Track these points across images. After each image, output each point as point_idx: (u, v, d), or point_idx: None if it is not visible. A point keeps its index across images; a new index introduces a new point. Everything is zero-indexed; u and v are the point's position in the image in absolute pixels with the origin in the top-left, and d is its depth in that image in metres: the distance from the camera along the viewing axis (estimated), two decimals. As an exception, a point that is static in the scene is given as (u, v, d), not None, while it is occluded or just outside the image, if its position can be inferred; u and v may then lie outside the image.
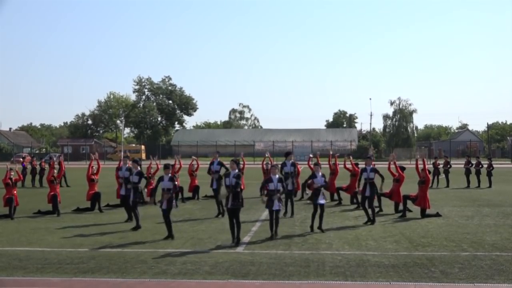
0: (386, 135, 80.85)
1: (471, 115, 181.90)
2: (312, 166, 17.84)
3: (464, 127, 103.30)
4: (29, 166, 27.19)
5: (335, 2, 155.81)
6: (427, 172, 14.12)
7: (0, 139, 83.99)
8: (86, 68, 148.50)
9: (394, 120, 78.21)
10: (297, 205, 15.41)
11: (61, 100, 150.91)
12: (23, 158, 33.96)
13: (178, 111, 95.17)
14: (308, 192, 13.35)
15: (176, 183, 11.41)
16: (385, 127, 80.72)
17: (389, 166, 15.05)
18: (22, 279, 7.68)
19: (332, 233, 11.30)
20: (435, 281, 7.40)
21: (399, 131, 76.80)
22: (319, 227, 11.48)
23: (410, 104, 78.17)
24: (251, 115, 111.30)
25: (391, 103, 78.65)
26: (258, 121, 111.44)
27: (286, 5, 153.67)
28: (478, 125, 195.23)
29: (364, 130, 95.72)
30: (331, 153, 18.09)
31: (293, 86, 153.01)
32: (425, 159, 14.62)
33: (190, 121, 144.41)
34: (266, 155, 20.33)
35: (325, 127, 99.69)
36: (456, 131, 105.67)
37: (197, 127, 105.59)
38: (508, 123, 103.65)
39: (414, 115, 78.33)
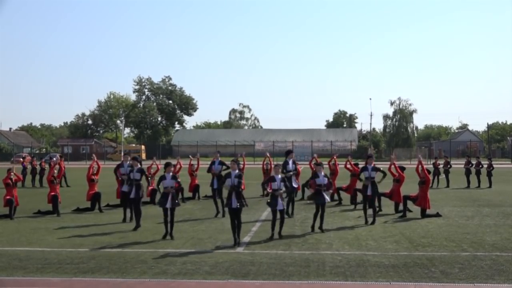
0: (386, 135, 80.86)
1: (471, 115, 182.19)
2: (313, 166, 17.92)
3: (464, 127, 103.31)
4: (29, 166, 27.19)
5: (335, 2, 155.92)
6: (426, 172, 14.12)
7: (0, 139, 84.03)
8: (86, 68, 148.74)
9: (394, 120, 78.21)
10: (297, 205, 15.40)
11: (61, 100, 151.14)
12: (23, 158, 33.95)
13: (178, 111, 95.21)
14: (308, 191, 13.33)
15: (179, 180, 11.37)
16: (385, 127, 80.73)
17: (389, 167, 15.04)
18: (22, 279, 7.68)
19: (332, 233, 11.30)
20: (435, 281, 7.40)
21: (399, 131, 76.81)
22: (320, 227, 11.48)
23: (410, 104, 78.25)
24: (251, 115, 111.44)
25: (391, 103, 78.72)
26: (258, 121, 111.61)
27: (286, 5, 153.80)
28: (478, 125, 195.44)
29: (364, 130, 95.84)
30: (336, 155, 18.13)
31: (293, 86, 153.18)
32: (421, 160, 14.59)
33: (190, 121, 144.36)
34: (266, 155, 20.35)
35: (325, 127, 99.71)
36: (456, 131, 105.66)
37: (197, 127, 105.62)
38: (508, 123, 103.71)
39: (414, 115, 78.43)
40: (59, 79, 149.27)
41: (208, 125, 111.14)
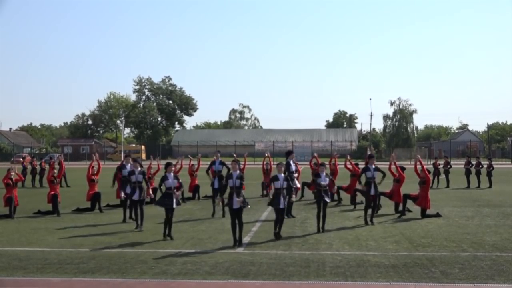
0: (386, 135, 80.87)
1: (471, 115, 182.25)
2: (313, 165, 17.95)
3: (464, 127, 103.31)
4: (29, 166, 27.20)
5: (335, 2, 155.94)
6: (426, 172, 14.11)
7: (0, 139, 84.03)
8: (86, 68, 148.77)
9: (394, 120, 78.22)
10: (297, 205, 15.41)
11: (61, 100, 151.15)
12: (23, 158, 33.95)
13: (178, 111, 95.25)
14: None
15: (180, 181, 11.35)
16: (385, 127, 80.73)
17: (389, 167, 15.05)
18: (22, 279, 7.68)
19: (332, 233, 11.30)
20: (435, 282, 7.40)
21: (399, 131, 76.81)
22: (322, 227, 11.47)
23: (410, 105, 78.26)
24: (251, 115, 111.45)
25: (391, 104, 78.73)
26: (258, 121, 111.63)
27: (286, 5, 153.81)
28: (478, 125, 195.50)
29: (364, 131, 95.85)
30: (334, 153, 18.14)
31: (293, 86, 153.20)
32: (421, 160, 14.61)
33: (190, 121, 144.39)
34: (266, 155, 20.34)
35: (325, 127, 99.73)
36: (456, 131, 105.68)
37: (197, 127, 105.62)
38: (508, 123, 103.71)
39: (414, 115, 78.43)
40: (59, 79, 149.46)
41: (208, 125, 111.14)
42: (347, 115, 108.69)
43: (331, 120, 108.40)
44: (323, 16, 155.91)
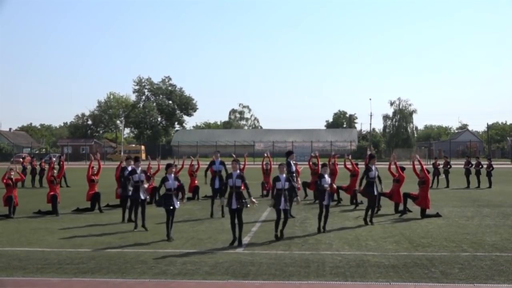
0: (386, 135, 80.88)
1: (471, 115, 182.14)
2: (311, 165, 17.99)
3: (464, 128, 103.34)
4: (29, 167, 27.18)
5: (335, 2, 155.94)
6: (425, 172, 14.12)
7: (0, 139, 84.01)
8: (86, 68, 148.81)
9: (394, 120, 78.25)
10: (297, 206, 15.38)
11: (61, 100, 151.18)
12: (23, 158, 33.93)
13: (178, 112, 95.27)
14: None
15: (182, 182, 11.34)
16: (385, 127, 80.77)
17: (389, 167, 15.06)
18: (22, 279, 7.67)
19: (332, 234, 11.30)
20: (435, 282, 7.40)
21: (399, 131, 76.84)
22: (323, 228, 11.47)
23: (410, 105, 78.31)
24: (251, 115, 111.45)
25: (391, 104, 78.77)
26: (258, 121, 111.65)
27: (286, 5, 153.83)
28: (478, 126, 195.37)
29: (364, 131, 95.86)
30: (333, 153, 18.15)
31: (293, 86, 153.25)
32: (420, 159, 14.62)
33: (190, 122, 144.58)
34: (266, 155, 20.36)
35: (325, 128, 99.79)
36: (456, 131, 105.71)
37: (197, 127, 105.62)
38: (508, 123, 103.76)
39: (414, 116, 78.47)
40: (59, 79, 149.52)
41: (208, 125, 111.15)
42: (347, 115, 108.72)
43: (331, 120, 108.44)
44: (323, 16, 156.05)
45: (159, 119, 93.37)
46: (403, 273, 7.86)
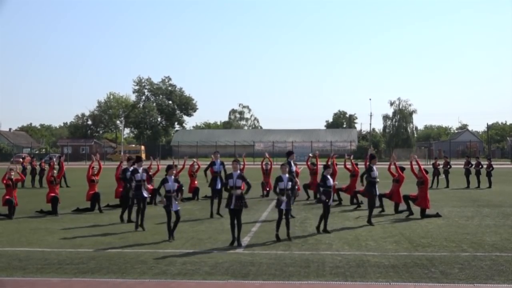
0: (386, 135, 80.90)
1: (471, 115, 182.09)
2: (310, 165, 18.09)
3: (464, 128, 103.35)
4: (29, 167, 27.17)
5: (335, 2, 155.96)
6: (424, 172, 14.12)
7: (0, 139, 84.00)
8: (86, 68, 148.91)
9: (394, 120, 78.27)
10: (297, 205, 15.40)
11: (61, 100, 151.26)
12: (23, 158, 33.93)
13: (178, 112, 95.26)
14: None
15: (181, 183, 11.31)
16: (385, 127, 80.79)
17: (389, 167, 15.06)
18: (22, 279, 7.67)
19: (332, 234, 11.29)
20: (435, 282, 7.40)
21: (399, 131, 76.85)
22: (325, 229, 11.45)
23: (410, 105, 78.33)
24: (251, 116, 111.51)
25: (391, 104, 78.80)
26: (258, 121, 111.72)
27: (286, 5, 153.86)
28: (478, 126, 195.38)
29: (364, 131, 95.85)
30: (332, 154, 18.18)
31: (293, 86, 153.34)
32: (417, 160, 14.63)
33: (190, 122, 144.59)
34: (265, 156, 20.43)
35: (325, 128, 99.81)
36: (456, 131, 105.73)
37: (197, 127, 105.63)
38: (508, 123, 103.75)
39: (414, 116, 78.50)
40: (59, 79, 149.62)
41: (208, 126, 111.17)
42: (347, 115, 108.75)
43: (331, 120, 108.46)
44: (323, 16, 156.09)
45: (159, 119, 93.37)
46: (403, 273, 7.86)
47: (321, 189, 11.40)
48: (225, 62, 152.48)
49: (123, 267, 8.32)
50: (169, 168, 10.99)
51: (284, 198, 10.35)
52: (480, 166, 24.52)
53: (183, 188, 11.14)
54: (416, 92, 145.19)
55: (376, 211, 14.00)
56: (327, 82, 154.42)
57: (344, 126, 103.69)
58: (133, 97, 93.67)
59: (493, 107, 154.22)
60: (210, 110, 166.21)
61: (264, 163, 20.25)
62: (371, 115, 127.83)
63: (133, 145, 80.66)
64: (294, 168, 14.01)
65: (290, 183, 10.63)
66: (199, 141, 73.85)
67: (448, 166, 24.74)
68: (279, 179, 10.62)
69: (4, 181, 14.25)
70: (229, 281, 7.53)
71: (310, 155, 18.34)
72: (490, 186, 23.46)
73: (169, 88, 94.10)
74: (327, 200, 11.34)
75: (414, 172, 14.32)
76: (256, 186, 20.26)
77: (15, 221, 13.59)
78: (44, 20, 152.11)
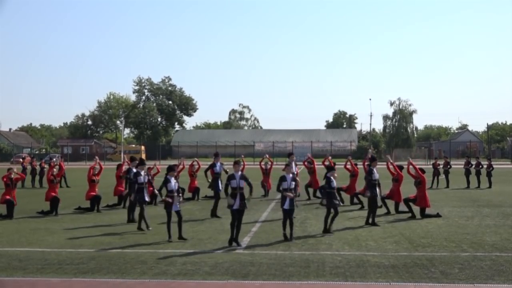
0: (386, 135, 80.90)
1: (471, 116, 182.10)
2: (307, 164, 18.31)
3: (464, 128, 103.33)
4: (29, 167, 27.16)
5: (335, 2, 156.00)
6: (419, 171, 14.13)
7: (0, 139, 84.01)
8: (86, 68, 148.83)
9: (394, 120, 78.27)
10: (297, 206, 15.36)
11: (61, 100, 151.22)
12: (23, 158, 33.92)
13: (178, 112, 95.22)
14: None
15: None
16: (385, 127, 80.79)
17: (387, 166, 15.09)
18: (22, 279, 7.68)
19: (332, 234, 11.28)
20: (435, 282, 7.40)
21: (399, 131, 76.86)
22: (325, 228, 11.43)
23: (410, 105, 78.35)
24: (251, 116, 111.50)
25: (391, 104, 78.82)
26: (258, 121, 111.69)
27: (286, 5, 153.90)
28: (478, 126, 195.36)
29: (364, 131, 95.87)
30: (327, 155, 18.39)
31: (293, 86, 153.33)
32: (411, 161, 14.80)
33: (190, 122, 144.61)
34: (265, 157, 20.55)
35: (325, 128, 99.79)
36: (456, 131, 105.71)
37: (197, 127, 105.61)
38: (508, 123, 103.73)
39: (414, 116, 78.52)
40: (59, 79, 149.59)
41: (208, 126, 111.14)
42: (347, 115, 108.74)
43: (331, 120, 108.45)
44: (323, 16, 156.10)
45: (159, 119, 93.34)
46: (403, 273, 7.86)
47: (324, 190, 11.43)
48: (225, 62, 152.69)
49: (123, 267, 8.32)
50: (170, 169, 11.00)
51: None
52: (480, 166, 24.52)
53: (183, 189, 11.15)
54: (416, 92, 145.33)
55: (380, 211, 13.99)
56: (327, 82, 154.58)
57: (344, 126, 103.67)
58: (133, 97, 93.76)
59: (493, 107, 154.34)
60: (210, 110, 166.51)
61: (263, 163, 20.29)
62: (371, 115, 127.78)
63: (133, 145, 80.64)
64: (295, 169, 14.04)
65: (293, 182, 10.65)
66: (199, 141, 73.85)
67: (448, 166, 24.74)
68: (283, 179, 10.63)
69: (4, 179, 14.20)
70: (229, 281, 7.53)
71: (308, 154, 18.53)
72: (490, 186, 23.46)
73: (169, 88, 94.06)
74: (336, 202, 11.36)
75: (411, 173, 14.37)
76: (256, 186, 20.29)
77: (15, 221, 13.59)
78: (44, 20, 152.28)
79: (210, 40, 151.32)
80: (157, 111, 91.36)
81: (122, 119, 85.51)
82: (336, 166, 17.28)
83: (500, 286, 7.22)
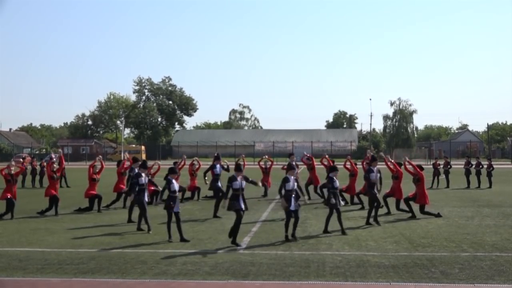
0: (386, 135, 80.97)
1: (471, 116, 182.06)
2: (305, 160, 18.46)
3: (464, 128, 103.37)
4: (29, 167, 27.16)
5: (335, 2, 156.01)
6: (418, 169, 14.14)
7: (0, 139, 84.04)
8: (86, 68, 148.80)
9: (394, 120, 78.35)
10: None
11: (61, 100, 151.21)
12: (23, 158, 33.89)
13: (178, 112, 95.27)
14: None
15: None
16: (385, 127, 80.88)
17: (386, 164, 15.13)
18: (22, 279, 7.68)
19: (332, 234, 11.29)
20: (435, 282, 7.40)
21: (399, 131, 76.92)
22: (326, 229, 11.43)
23: (410, 105, 78.44)
24: (251, 116, 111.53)
25: (391, 104, 78.92)
26: (258, 121, 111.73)
27: (286, 5, 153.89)
28: (478, 126, 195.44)
29: (364, 131, 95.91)
30: (324, 154, 18.53)
31: (293, 86, 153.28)
32: (408, 160, 14.85)
33: (190, 122, 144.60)
34: (264, 157, 20.70)
35: (325, 128, 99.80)
36: (456, 131, 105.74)
37: (197, 127, 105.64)
38: (508, 123, 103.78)
39: (414, 116, 78.65)
40: (59, 79, 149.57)
41: (208, 126, 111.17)
42: (347, 115, 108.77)
43: (331, 120, 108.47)
44: (323, 16, 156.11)
45: (159, 119, 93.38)
46: (403, 273, 7.86)
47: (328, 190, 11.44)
48: (225, 62, 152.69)
49: (123, 267, 8.32)
50: (173, 172, 11.01)
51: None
52: (481, 166, 24.53)
53: (184, 189, 11.16)
54: (416, 92, 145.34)
55: (381, 211, 13.99)
56: (327, 82, 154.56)
57: (345, 126, 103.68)
58: (133, 97, 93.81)
59: (493, 107, 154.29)
60: (210, 110, 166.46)
61: (262, 162, 20.36)
62: (371, 115, 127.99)
63: (133, 145, 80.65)
64: (296, 171, 14.09)
65: (296, 183, 10.68)
66: (199, 141, 73.87)
67: (448, 166, 24.74)
68: (286, 180, 10.62)
69: (3, 173, 14.15)
70: (229, 281, 7.53)
71: (305, 153, 18.76)
72: (490, 186, 23.46)
73: (169, 88, 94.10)
74: (337, 202, 11.35)
75: (409, 171, 14.37)
76: (256, 186, 20.32)
77: (15, 221, 13.59)
78: (44, 20, 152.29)
79: (210, 40, 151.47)
80: (157, 111, 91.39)
81: (122, 119, 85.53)
82: (335, 165, 17.49)
83: (500, 286, 7.22)
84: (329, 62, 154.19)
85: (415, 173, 14.11)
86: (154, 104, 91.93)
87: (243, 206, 10.12)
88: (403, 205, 14.40)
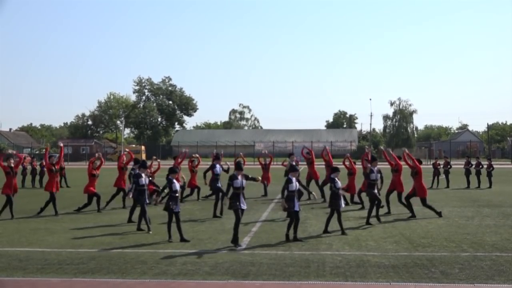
0: (386, 135, 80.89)
1: (471, 116, 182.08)
2: (305, 155, 18.63)
3: (464, 128, 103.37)
4: (29, 167, 27.16)
5: (335, 2, 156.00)
6: (416, 162, 14.14)
7: (0, 139, 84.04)
8: (86, 68, 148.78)
9: (394, 120, 78.26)
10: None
11: (61, 100, 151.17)
12: (23, 158, 33.87)
13: (178, 112, 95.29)
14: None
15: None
16: (385, 127, 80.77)
17: (386, 159, 15.17)
18: (22, 279, 7.67)
19: (332, 234, 11.29)
20: (435, 282, 7.40)
21: (399, 131, 76.85)
22: (326, 230, 11.44)
23: (410, 105, 78.31)
24: (251, 116, 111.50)
25: (391, 104, 78.78)
26: (258, 121, 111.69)
27: (286, 5, 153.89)
28: (478, 126, 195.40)
29: (364, 131, 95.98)
30: (325, 145, 18.64)
31: (293, 86, 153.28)
32: (408, 152, 14.92)
33: (190, 122, 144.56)
34: (263, 152, 20.90)
35: (325, 128, 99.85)
36: (456, 131, 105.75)
37: (197, 127, 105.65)
38: (508, 123, 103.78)
39: (414, 116, 78.46)
40: (59, 79, 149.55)
41: (208, 126, 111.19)
42: (347, 115, 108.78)
43: (331, 120, 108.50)
44: (323, 17, 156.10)
45: (159, 119, 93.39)
46: (403, 273, 7.86)
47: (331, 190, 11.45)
48: (225, 62, 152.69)
49: (123, 267, 8.32)
50: (174, 171, 11.01)
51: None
52: (481, 166, 24.53)
53: (184, 187, 11.17)
54: (416, 92, 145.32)
55: (381, 211, 13.99)
56: (327, 82, 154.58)
57: (345, 126, 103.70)
58: (133, 97, 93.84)
59: (493, 107, 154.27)
60: (210, 110, 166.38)
61: (261, 159, 20.44)
62: (371, 115, 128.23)
63: (133, 145, 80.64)
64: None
65: (298, 184, 10.73)
66: (199, 141, 73.86)
67: (448, 166, 24.73)
68: (289, 181, 10.61)
69: (2, 165, 14.06)
70: (229, 281, 7.53)
71: (306, 147, 19.13)
72: (490, 186, 23.46)
73: (169, 88, 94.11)
74: (339, 203, 11.35)
75: (408, 163, 14.37)
76: (256, 186, 20.34)
77: (15, 221, 13.59)
78: (44, 20, 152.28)
79: (210, 40, 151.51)
80: (157, 111, 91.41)
81: (122, 119, 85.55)
82: (334, 163, 17.49)
83: (500, 286, 7.22)
84: (329, 62, 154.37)
85: (413, 166, 14.11)
86: (154, 104, 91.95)
87: (243, 206, 10.11)
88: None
